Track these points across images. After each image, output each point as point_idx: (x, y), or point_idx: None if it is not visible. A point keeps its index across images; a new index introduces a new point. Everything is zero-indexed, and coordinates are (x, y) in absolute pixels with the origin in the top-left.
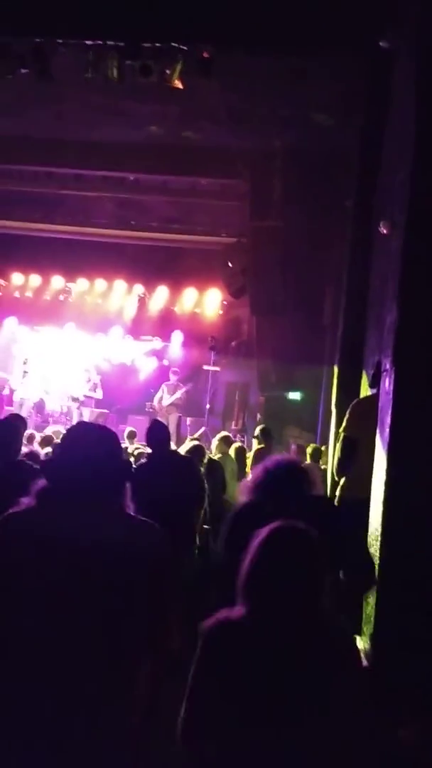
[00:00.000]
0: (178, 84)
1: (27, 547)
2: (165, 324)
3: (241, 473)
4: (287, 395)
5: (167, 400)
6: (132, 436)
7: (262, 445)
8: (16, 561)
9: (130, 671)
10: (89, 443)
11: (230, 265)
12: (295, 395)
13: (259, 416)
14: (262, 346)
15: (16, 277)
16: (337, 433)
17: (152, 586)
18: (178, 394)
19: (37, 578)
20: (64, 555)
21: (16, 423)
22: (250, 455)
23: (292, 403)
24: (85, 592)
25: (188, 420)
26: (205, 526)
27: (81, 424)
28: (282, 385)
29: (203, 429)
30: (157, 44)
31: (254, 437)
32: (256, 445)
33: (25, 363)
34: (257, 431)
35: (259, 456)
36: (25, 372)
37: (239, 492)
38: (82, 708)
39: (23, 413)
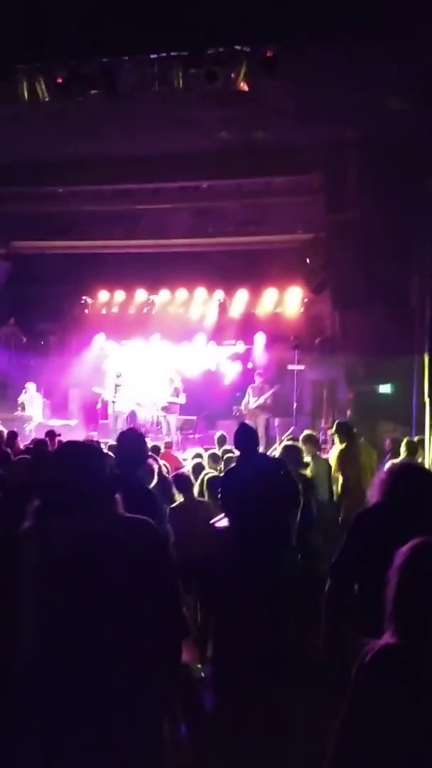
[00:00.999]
0: (244, 86)
1: (37, 564)
2: (247, 327)
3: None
4: (377, 389)
5: (254, 402)
6: (222, 440)
7: (344, 444)
8: (27, 578)
9: (148, 667)
10: (75, 462)
11: (309, 261)
12: (385, 388)
13: (349, 413)
14: (347, 341)
15: (102, 295)
16: None
17: (153, 576)
18: (265, 396)
19: (50, 593)
20: (71, 568)
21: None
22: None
23: (382, 397)
24: (92, 599)
25: (276, 421)
26: None
27: (66, 445)
28: (371, 378)
29: (292, 429)
30: (220, 49)
31: (332, 434)
32: (338, 444)
33: (118, 377)
34: (334, 428)
35: (345, 456)
36: (117, 386)
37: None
38: (107, 715)
39: (117, 426)
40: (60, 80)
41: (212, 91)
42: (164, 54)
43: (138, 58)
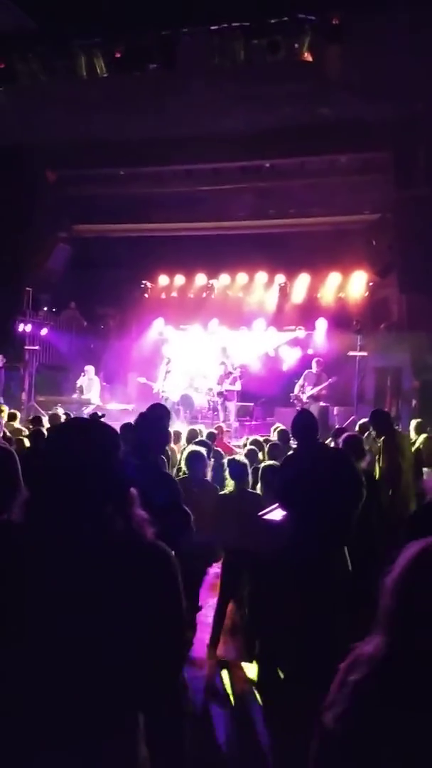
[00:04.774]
0: (308, 57)
1: (10, 572)
2: (308, 312)
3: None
4: None
5: (309, 391)
6: (283, 436)
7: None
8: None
9: (125, 709)
10: (81, 446)
11: (374, 243)
12: None
13: (414, 402)
14: (414, 326)
15: (162, 279)
16: None
17: (152, 619)
18: (320, 387)
19: (26, 609)
20: (51, 587)
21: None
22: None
23: None
24: (74, 625)
25: (335, 409)
26: None
27: (72, 421)
28: None
29: (352, 418)
30: (284, 18)
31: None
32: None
33: (168, 363)
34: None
35: (383, 448)
36: (167, 372)
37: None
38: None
39: None
40: (118, 55)
41: (275, 64)
42: (225, 25)
43: (198, 30)
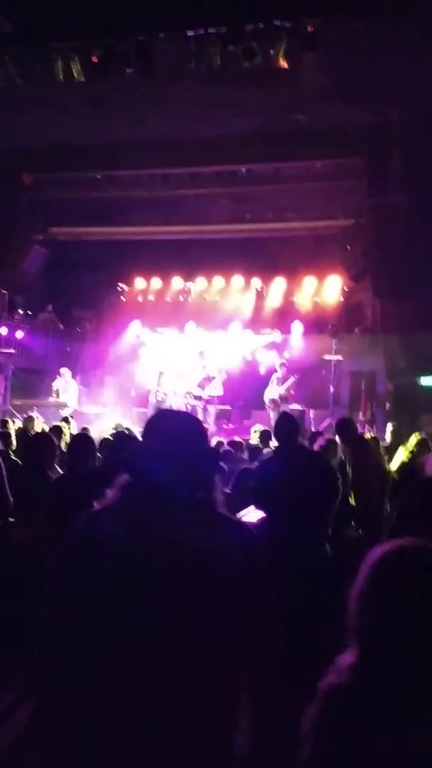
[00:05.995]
0: (283, 63)
1: (106, 553)
2: (284, 316)
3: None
4: (419, 381)
5: (275, 391)
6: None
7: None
8: (93, 568)
9: (221, 701)
10: (176, 432)
11: (349, 248)
12: (427, 381)
13: (388, 405)
14: (388, 331)
15: (139, 282)
16: None
17: (244, 599)
18: (286, 386)
19: (116, 588)
20: (146, 563)
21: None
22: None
23: (424, 390)
24: (164, 604)
25: (311, 413)
26: None
27: (165, 412)
28: (412, 370)
29: (328, 421)
30: (260, 25)
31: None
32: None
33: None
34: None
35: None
36: (161, 373)
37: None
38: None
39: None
40: (95, 59)
41: (251, 70)
42: (201, 31)
43: (174, 36)
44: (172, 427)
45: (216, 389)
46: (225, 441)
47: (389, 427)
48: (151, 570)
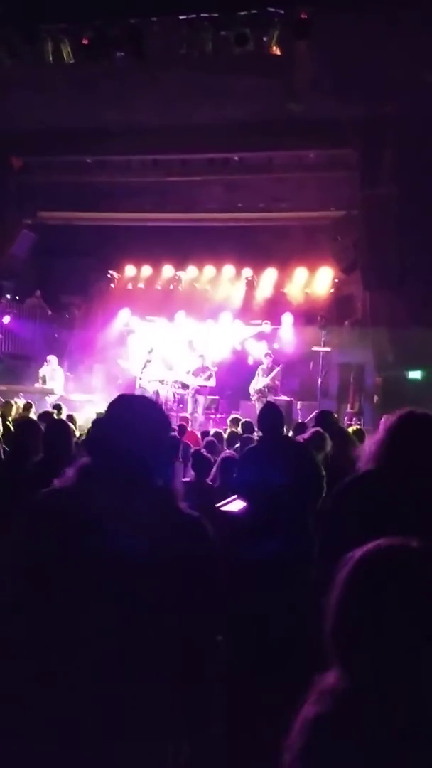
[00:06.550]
0: (276, 51)
1: (56, 532)
2: (275, 307)
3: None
4: (407, 374)
5: (261, 382)
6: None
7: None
8: (44, 547)
9: (157, 689)
10: (135, 417)
11: (340, 239)
12: (415, 374)
13: (376, 398)
14: (377, 323)
15: (129, 269)
16: None
17: (187, 591)
18: (271, 376)
19: (64, 568)
20: (95, 544)
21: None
22: None
23: (412, 383)
24: (110, 589)
25: (299, 404)
26: None
27: (124, 397)
28: (401, 363)
29: (315, 412)
30: (253, 11)
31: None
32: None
33: (150, 352)
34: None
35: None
36: (148, 361)
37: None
38: (97, 722)
39: None
40: (86, 42)
41: (243, 56)
42: (194, 15)
43: (166, 19)
44: (129, 413)
45: (210, 381)
46: (211, 431)
47: (384, 420)
48: (97, 561)
